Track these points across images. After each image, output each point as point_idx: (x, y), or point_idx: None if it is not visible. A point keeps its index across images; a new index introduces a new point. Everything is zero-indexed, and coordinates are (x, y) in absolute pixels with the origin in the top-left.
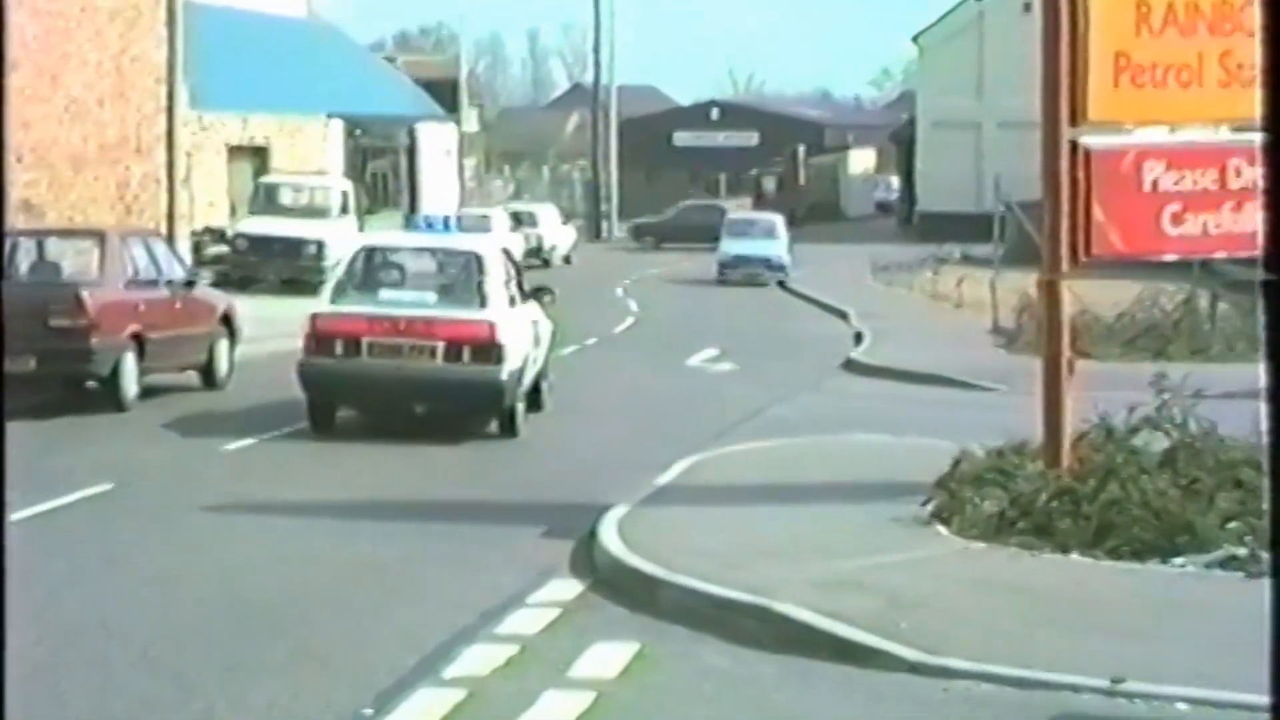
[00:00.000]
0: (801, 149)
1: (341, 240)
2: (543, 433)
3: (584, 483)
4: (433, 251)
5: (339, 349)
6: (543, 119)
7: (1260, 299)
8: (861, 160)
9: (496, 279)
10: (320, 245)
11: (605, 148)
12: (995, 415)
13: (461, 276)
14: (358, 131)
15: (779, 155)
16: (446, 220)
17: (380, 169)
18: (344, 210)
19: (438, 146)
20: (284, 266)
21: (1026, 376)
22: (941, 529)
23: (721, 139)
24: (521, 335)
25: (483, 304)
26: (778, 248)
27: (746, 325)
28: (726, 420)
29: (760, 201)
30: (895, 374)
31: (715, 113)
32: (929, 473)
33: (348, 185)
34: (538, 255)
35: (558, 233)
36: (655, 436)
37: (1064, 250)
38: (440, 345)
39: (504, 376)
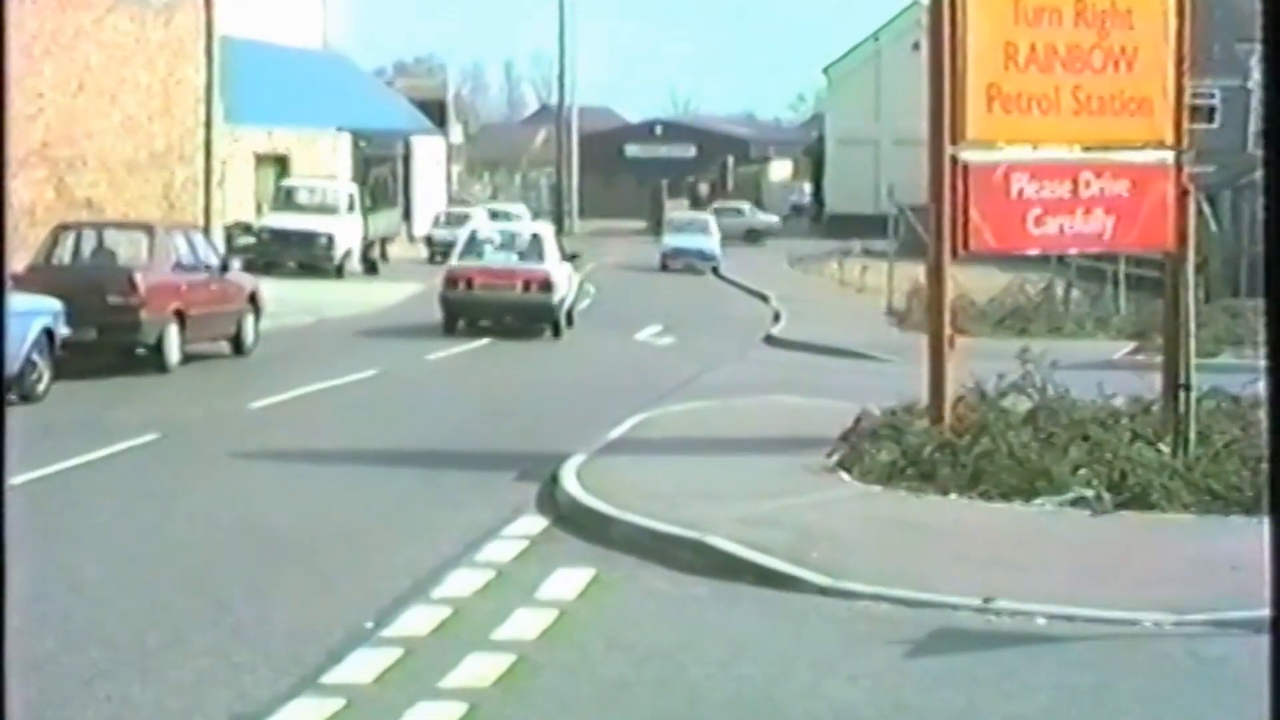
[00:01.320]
0: (731, 160)
1: (348, 233)
2: (508, 396)
3: (549, 436)
4: (512, 232)
5: (462, 286)
6: (516, 133)
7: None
8: (781, 170)
9: (550, 246)
10: (330, 238)
11: (567, 157)
12: (889, 381)
13: (530, 245)
14: (363, 143)
15: (712, 165)
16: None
17: (381, 174)
18: (350, 208)
19: (429, 155)
20: (300, 255)
21: (915, 350)
22: (845, 475)
23: (664, 151)
24: (563, 279)
25: (542, 260)
26: (711, 242)
27: (685, 306)
28: (667, 385)
29: (696, 203)
30: (807, 347)
31: (659, 129)
32: (834, 429)
33: (354, 187)
34: None
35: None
36: (609, 398)
37: (946, 245)
38: (519, 283)
39: (555, 301)
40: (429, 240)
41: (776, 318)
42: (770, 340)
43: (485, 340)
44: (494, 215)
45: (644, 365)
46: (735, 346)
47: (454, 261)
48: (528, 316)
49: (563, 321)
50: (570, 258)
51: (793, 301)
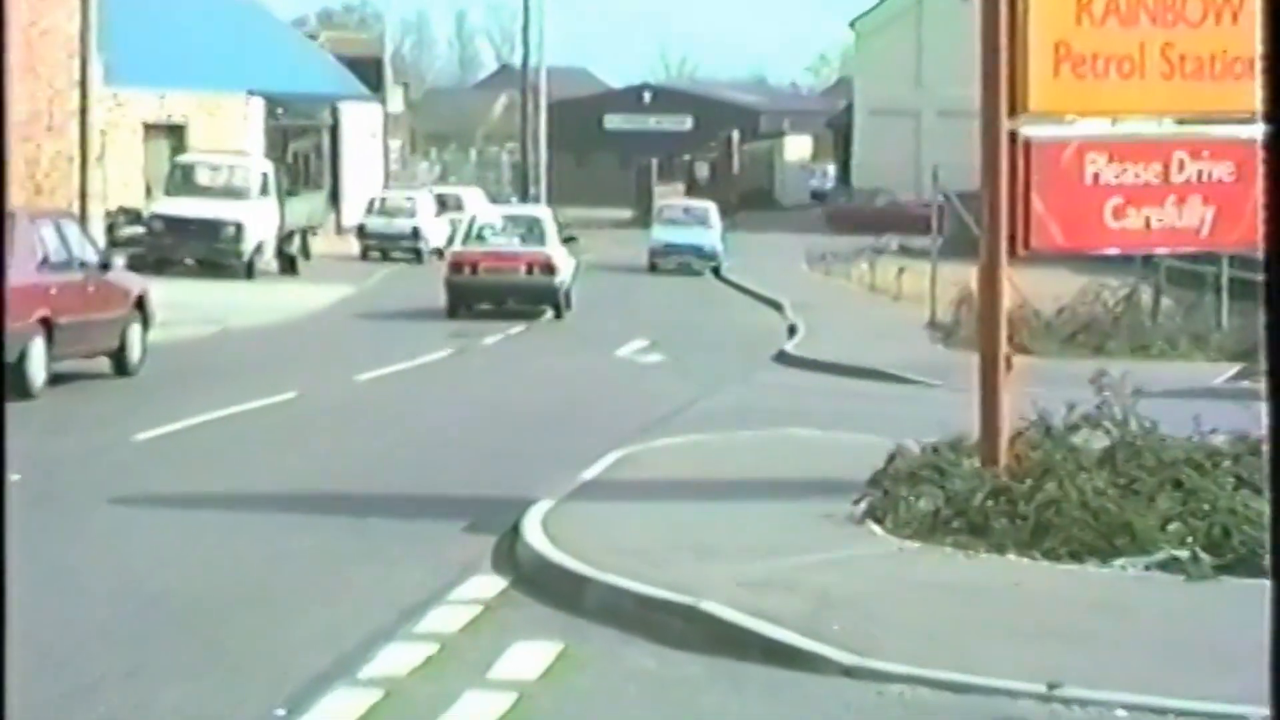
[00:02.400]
0: (736, 135)
1: (260, 222)
2: (458, 421)
3: (508, 476)
4: (515, 216)
5: (466, 270)
6: (470, 100)
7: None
8: (797, 147)
9: (550, 229)
10: (239, 227)
11: (534, 130)
12: (931, 411)
13: (530, 228)
14: (279, 110)
15: (713, 141)
16: (513, 198)
17: (302, 149)
18: (264, 191)
19: (362, 127)
20: (201, 249)
21: (964, 371)
22: (875, 527)
23: (653, 123)
24: (564, 262)
25: (543, 242)
26: (710, 236)
27: (677, 316)
28: (655, 413)
29: (693, 188)
30: (829, 367)
31: (647, 96)
32: (862, 469)
33: (268, 165)
34: None
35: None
36: (581, 429)
37: (1003, 242)
38: (522, 265)
39: (557, 282)
40: (361, 231)
41: (792, 331)
42: (783, 358)
43: (434, 355)
44: (441, 202)
45: (626, 388)
46: (739, 366)
47: (457, 246)
48: (531, 298)
49: (563, 303)
50: (568, 240)
51: (812, 311)
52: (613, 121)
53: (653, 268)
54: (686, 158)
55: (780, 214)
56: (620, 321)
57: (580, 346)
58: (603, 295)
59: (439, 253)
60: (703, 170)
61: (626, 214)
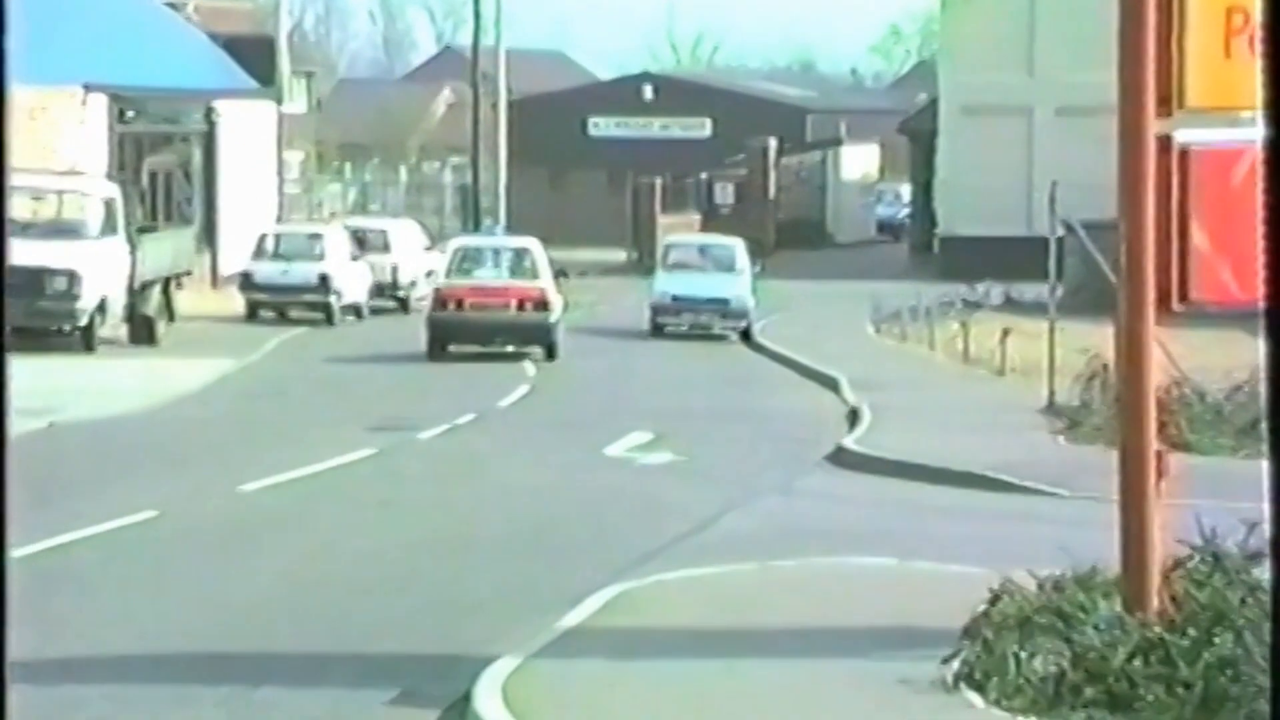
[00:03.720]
0: (773, 144)
1: (103, 271)
2: (384, 549)
3: (455, 625)
4: (503, 247)
5: (451, 306)
6: (399, 96)
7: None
8: (859, 161)
9: (543, 261)
10: (71, 278)
11: (490, 138)
12: (1050, 531)
13: (520, 260)
14: (129, 112)
15: (740, 153)
16: (508, 225)
17: (163, 166)
18: (108, 227)
19: (248, 135)
20: (18, 310)
21: (1097, 475)
22: (973, 697)
23: (657, 128)
24: (557, 299)
25: (536, 276)
26: (737, 286)
27: (692, 398)
28: (662, 535)
29: (713, 220)
30: (906, 469)
31: (649, 91)
32: (954, 615)
33: (113, 190)
34: (392, 294)
35: (419, 261)
36: (559, 558)
37: (1149, 293)
38: (513, 301)
39: (552, 320)
40: (247, 282)
41: (853, 418)
42: (841, 458)
43: (351, 455)
44: (360, 240)
45: (621, 501)
46: (778, 469)
47: (442, 280)
48: (522, 338)
49: (558, 343)
50: (559, 275)
51: (881, 389)
52: (601, 126)
53: (657, 330)
54: (703, 176)
55: (835, 254)
56: (612, 407)
57: (557, 442)
58: (589, 369)
59: (356, 311)
60: (726, 194)
61: (619, 256)
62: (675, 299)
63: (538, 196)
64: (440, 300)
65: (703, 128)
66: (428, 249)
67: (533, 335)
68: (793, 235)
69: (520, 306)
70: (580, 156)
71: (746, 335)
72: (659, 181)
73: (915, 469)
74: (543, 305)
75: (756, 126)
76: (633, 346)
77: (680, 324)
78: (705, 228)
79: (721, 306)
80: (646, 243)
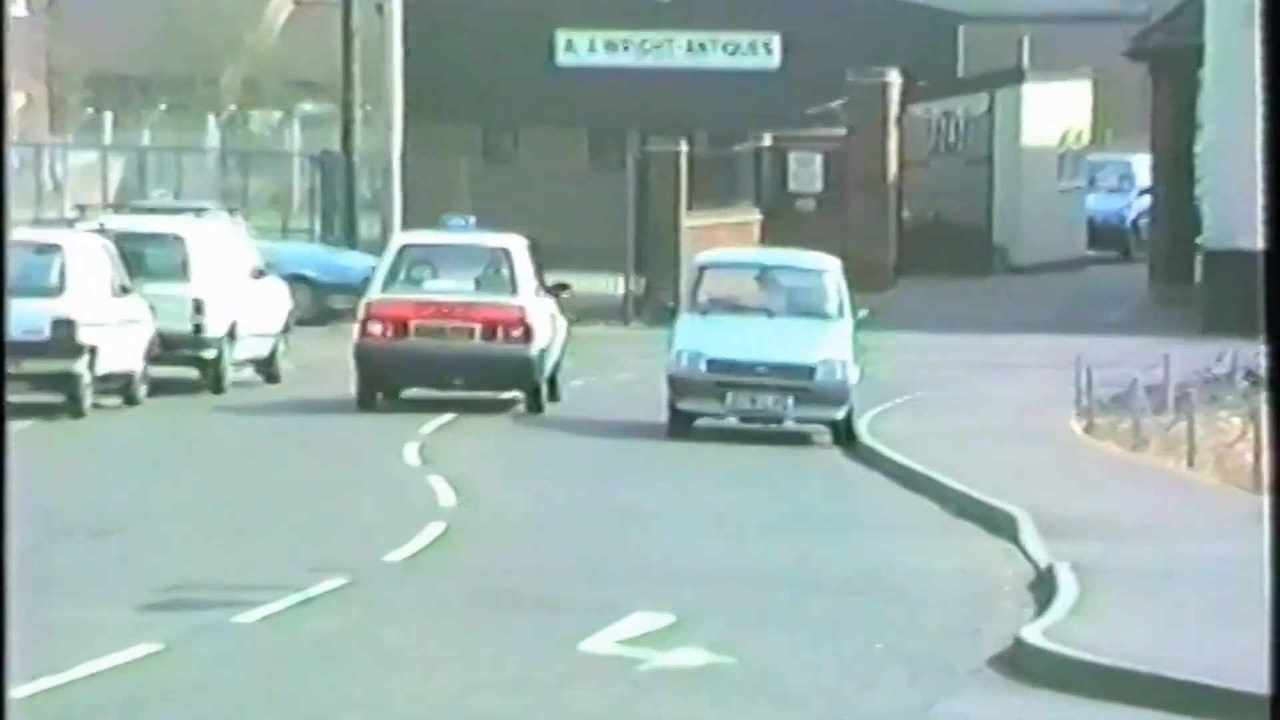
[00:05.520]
0: (895, 81)
1: None
2: None
3: None
4: (467, 247)
5: (388, 331)
6: None
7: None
8: (1053, 110)
9: (524, 268)
10: None
11: (376, 70)
12: None
13: (491, 266)
14: None
15: (835, 96)
16: (475, 221)
17: None
18: None
19: None
20: None
21: None
22: None
23: (680, 53)
24: (545, 321)
25: (513, 289)
26: (827, 342)
27: (742, 551)
28: None
29: (783, 220)
30: (1139, 687)
31: None
32: None
33: None
34: (191, 352)
35: (242, 294)
36: None
37: None
38: (478, 325)
39: (534, 353)
40: None
41: (1043, 590)
42: (1021, 661)
43: (120, 655)
44: (131, 253)
45: None
46: (906, 680)
47: (375, 294)
48: (492, 378)
49: (546, 388)
50: (556, 290)
51: (1094, 538)
52: (577, 49)
53: (681, 423)
54: (766, 141)
55: (1011, 285)
56: (598, 564)
57: (495, 631)
58: (555, 496)
59: (124, 388)
60: (808, 173)
61: (609, 285)
62: (715, 366)
63: (458, 176)
64: (374, 322)
65: (766, 51)
66: (259, 273)
67: (508, 374)
68: (932, 250)
69: (490, 332)
70: (540, 104)
71: (846, 433)
72: (683, 150)
73: (1155, 687)
74: (522, 331)
75: (864, 48)
76: (635, 454)
77: (723, 412)
78: (769, 235)
79: (800, 380)
80: (660, 262)
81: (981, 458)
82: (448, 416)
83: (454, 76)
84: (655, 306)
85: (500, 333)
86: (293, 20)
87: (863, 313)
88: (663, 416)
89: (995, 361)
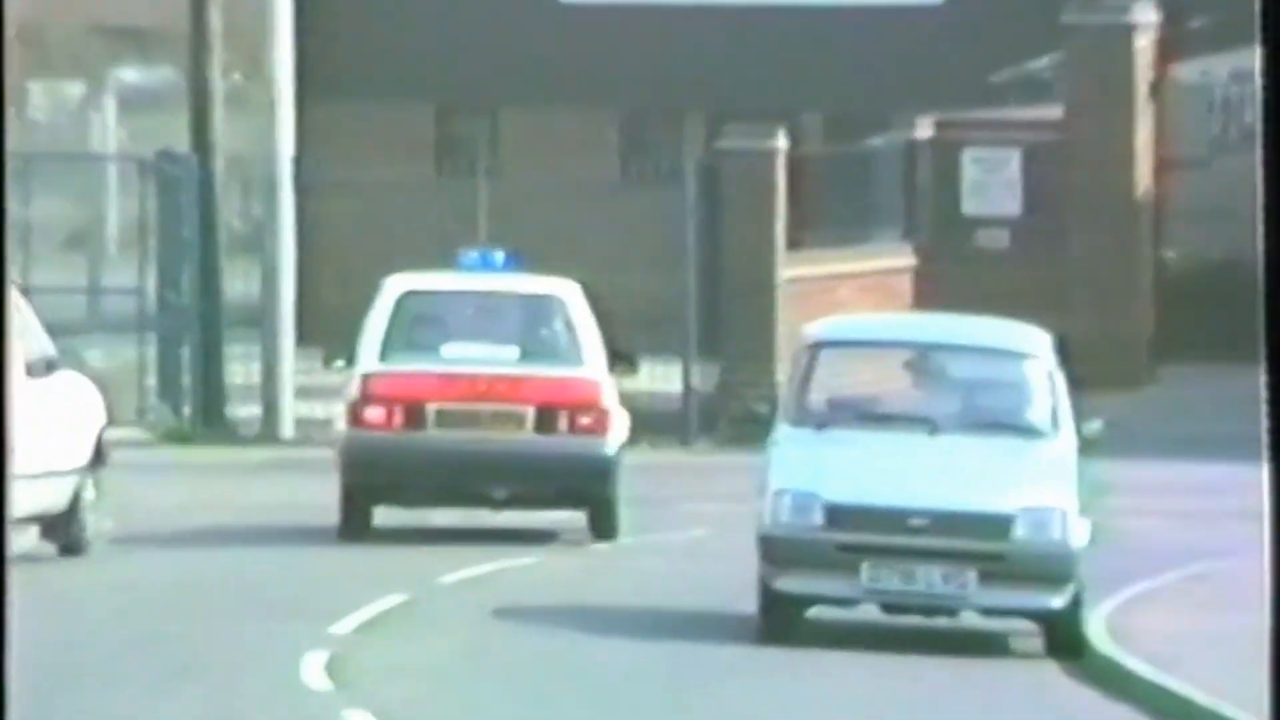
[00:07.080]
0: (1148, 22)
1: None
2: None
3: None
4: (504, 295)
5: (396, 419)
6: None
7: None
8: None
9: (586, 326)
10: None
11: (263, 13)
12: None
13: (542, 323)
14: None
15: (1031, 58)
16: (510, 256)
17: None
18: None
19: None
20: None
21: None
22: None
23: None
24: (617, 409)
25: (578, 359)
26: (1033, 472)
27: None
28: None
29: (950, 265)
30: None
31: None
32: None
33: None
34: None
35: (13, 406)
36: None
37: None
38: (531, 410)
39: (610, 453)
40: None
41: None
42: None
43: None
44: None
45: None
46: None
47: (371, 364)
48: (552, 489)
49: (616, 503)
50: (622, 362)
51: None
52: None
53: (778, 612)
54: (923, 132)
55: None
56: None
57: None
58: None
59: None
60: (997, 183)
61: (659, 378)
62: (840, 518)
63: (399, 192)
64: (373, 405)
65: None
66: (47, 366)
67: (572, 482)
68: (1216, 316)
69: (549, 420)
70: (534, 70)
71: (1071, 636)
72: (780, 147)
73: None
74: (595, 417)
75: None
76: (703, 673)
77: (856, 595)
78: (932, 290)
79: (988, 541)
80: (744, 338)
81: None
82: (472, 569)
83: (387, 26)
84: (736, 415)
85: (565, 421)
86: None
87: (1097, 425)
88: (751, 604)
89: None
